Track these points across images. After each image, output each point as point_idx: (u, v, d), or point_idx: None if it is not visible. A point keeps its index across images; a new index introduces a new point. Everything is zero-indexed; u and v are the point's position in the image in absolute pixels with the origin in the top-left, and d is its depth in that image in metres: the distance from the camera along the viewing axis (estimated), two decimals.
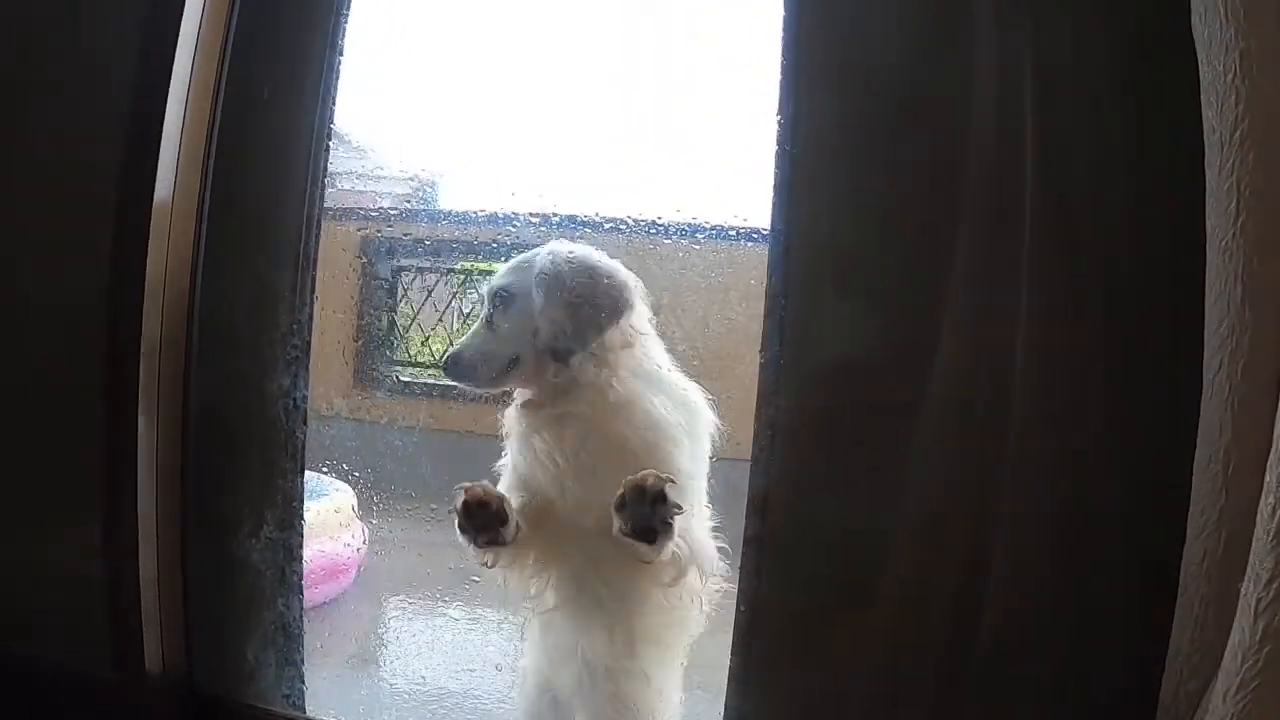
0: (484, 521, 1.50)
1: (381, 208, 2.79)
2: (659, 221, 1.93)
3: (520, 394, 1.68)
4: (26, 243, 1.63)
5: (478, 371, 1.66)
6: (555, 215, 1.96)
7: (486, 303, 1.67)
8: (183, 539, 1.63)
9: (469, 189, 2.76)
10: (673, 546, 1.45)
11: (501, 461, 1.69)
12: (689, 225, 1.92)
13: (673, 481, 1.40)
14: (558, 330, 1.59)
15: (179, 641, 1.63)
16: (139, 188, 1.55)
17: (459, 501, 1.49)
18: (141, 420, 1.56)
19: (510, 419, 1.68)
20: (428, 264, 2.83)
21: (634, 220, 1.89)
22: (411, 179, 2.91)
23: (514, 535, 1.52)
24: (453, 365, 1.66)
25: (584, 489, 1.55)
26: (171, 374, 1.61)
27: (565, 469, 1.57)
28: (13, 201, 1.63)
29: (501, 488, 1.60)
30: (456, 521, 1.51)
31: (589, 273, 1.62)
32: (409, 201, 2.88)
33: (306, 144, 1.61)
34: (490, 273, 2.76)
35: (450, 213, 2.59)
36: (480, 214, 2.27)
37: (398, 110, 2.60)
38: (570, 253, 1.64)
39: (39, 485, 1.64)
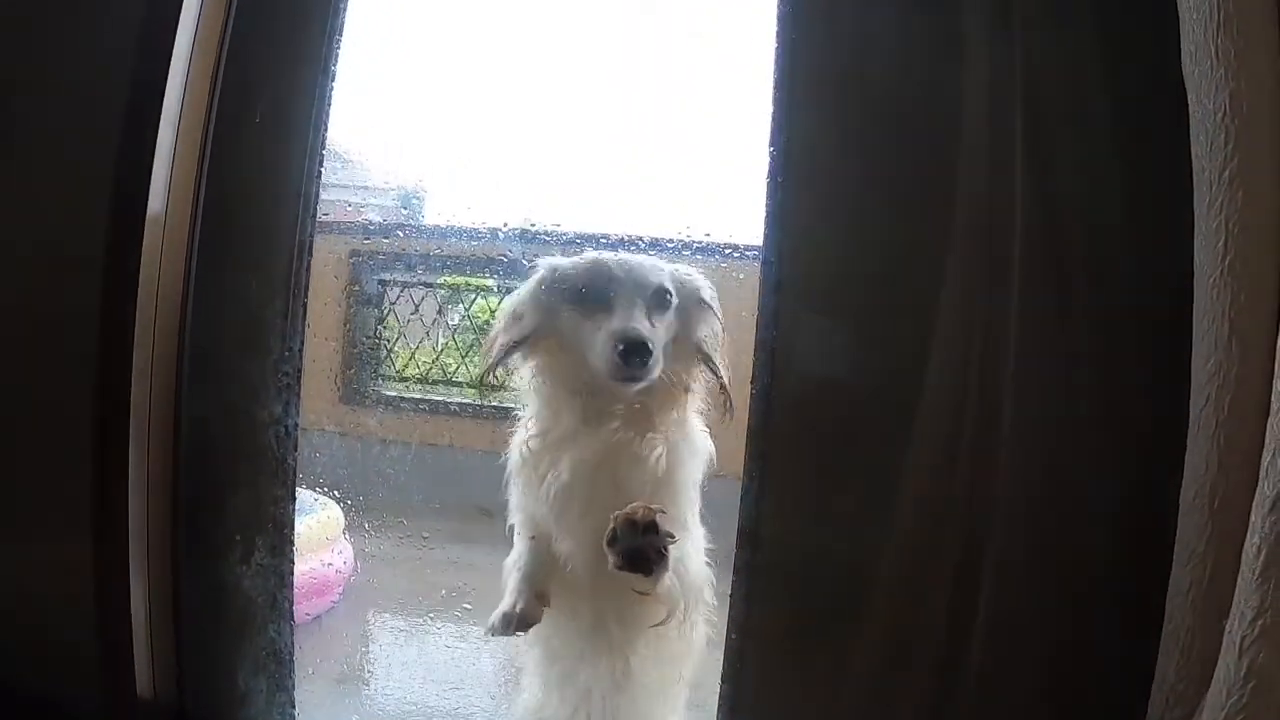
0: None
1: (369, 220, 2.78)
2: (663, 240, 1.93)
3: (539, 420, 1.65)
4: (16, 257, 1.63)
5: (655, 368, 1.55)
6: (546, 233, 1.95)
7: (642, 297, 1.58)
8: (174, 564, 1.62)
9: (455, 201, 2.76)
10: (669, 579, 1.47)
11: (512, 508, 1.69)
12: (684, 242, 1.92)
13: (663, 511, 1.42)
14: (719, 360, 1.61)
15: (170, 668, 1.63)
16: (131, 208, 1.54)
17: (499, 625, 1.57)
18: (132, 444, 1.56)
19: (531, 446, 1.64)
20: (414, 279, 2.83)
21: (632, 238, 1.89)
22: (397, 190, 2.91)
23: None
24: (644, 350, 1.51)
25: (594, 519, 1.54)
26: (163, 397, 1.60)
27: (582, 497, 1.57)
28: (4, 216, 1.63)
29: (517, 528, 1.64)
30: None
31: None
32: (400, 213, 2.88)
33: (299, 168, 1.60)
34: (481, 288, 2.79)
35: (438, 228, 2.59)
36: (481, 230, 2.26)
37: (384, 120, 2.60)
38: None
39: (28, 507, 1.63)
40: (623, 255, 1.64)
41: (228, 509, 1.63)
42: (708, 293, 1.66)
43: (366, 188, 2.91)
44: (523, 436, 1.67)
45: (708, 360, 1.63)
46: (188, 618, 1.64)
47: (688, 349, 1.64)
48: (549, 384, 1.65)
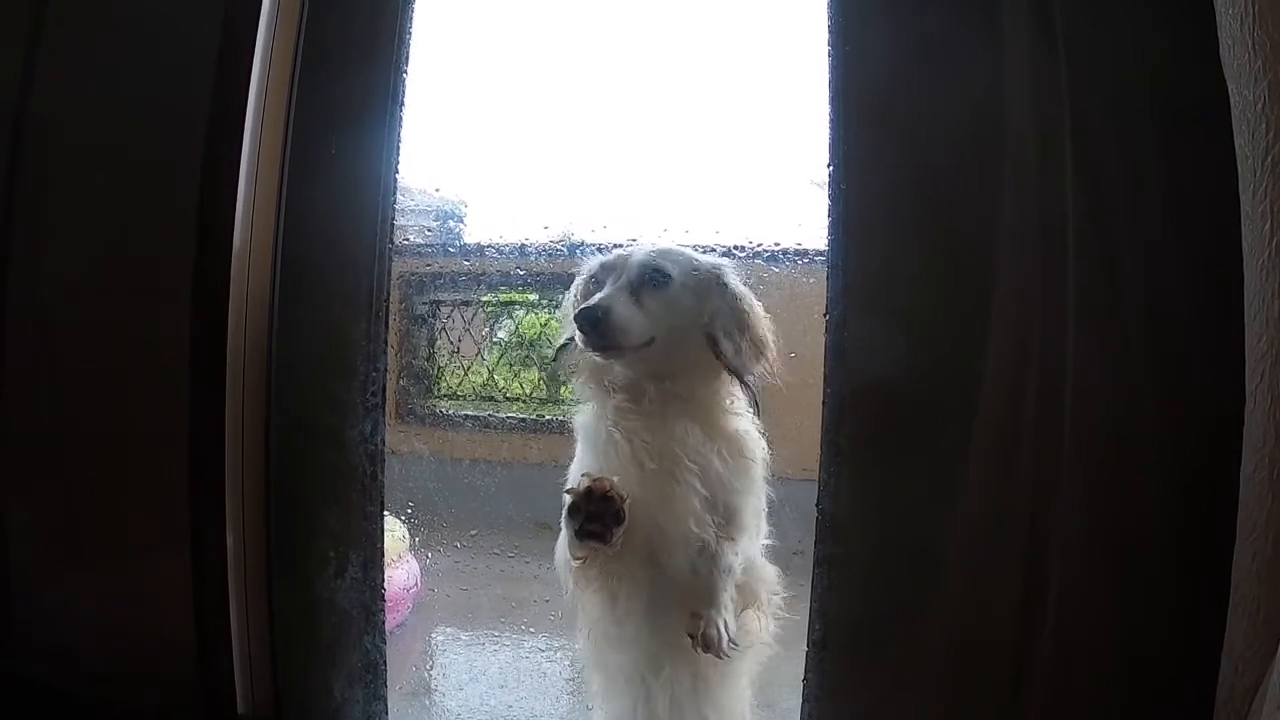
0: (599, 513, 1.50)
1: (413, 242, 2.86)
2: (731, 247, 1.93)
3: (610, 385, 1.67)
4: (110, 291, 1.75)
5: (621, 335, 1.60)
6: (605, 244, 2.01)
7: (629, 275, 1.65)
8: (269, 582, 1.74)
9: (497, 219, 2.83)
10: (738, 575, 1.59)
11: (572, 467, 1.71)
12: (758, 249, 1.96)
13: (735, 643, 1.56)
14: (733, 343, 1.63)
15: (267, 683, 1.74)
16: (217, 238, 1.67)
17: (582, 485, 1.51)
18: (227, 467, 1.67)
19: (591, 413, 1.68)
20: (465, 297, 2.91)
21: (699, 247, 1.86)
22: (436, 211, 2.98)
23: (618, 542, 1.52)
24: (597, 318, 1.57)
25: (663, 496, 1.60)
26: (254, 421, 1.72)
27: (649, 474, 1.60)
28: (99, 252, 1.75)
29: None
30: (569, 503, 1.51)
31: (753, 304, 1.69)
32: (441, 234, 2.96)
33: (374, 195, 1.72)
34: (529, 304, 2.87)
35: (489, 246, 2.66)
36: (534, 246, 2.32)
37: (424, 141, 2.68)
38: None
39: (127, 531, 1.74)
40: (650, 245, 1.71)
41: (320, 526, 1.74)
42: (729, 276, 1.69)
43: (407, 210, 2.99)
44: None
45: (712, 342, 1.65)
46: (283, 634, 1.75)
47: (701, 329, 1.68)
48: (586, 375, 1.72)
